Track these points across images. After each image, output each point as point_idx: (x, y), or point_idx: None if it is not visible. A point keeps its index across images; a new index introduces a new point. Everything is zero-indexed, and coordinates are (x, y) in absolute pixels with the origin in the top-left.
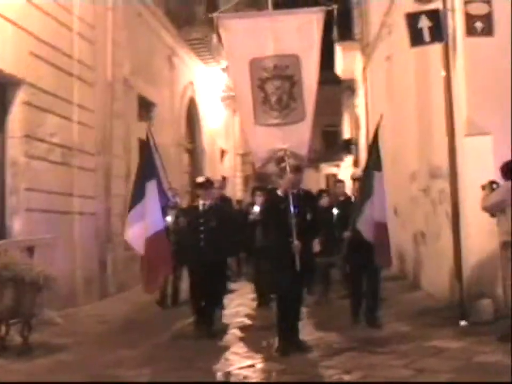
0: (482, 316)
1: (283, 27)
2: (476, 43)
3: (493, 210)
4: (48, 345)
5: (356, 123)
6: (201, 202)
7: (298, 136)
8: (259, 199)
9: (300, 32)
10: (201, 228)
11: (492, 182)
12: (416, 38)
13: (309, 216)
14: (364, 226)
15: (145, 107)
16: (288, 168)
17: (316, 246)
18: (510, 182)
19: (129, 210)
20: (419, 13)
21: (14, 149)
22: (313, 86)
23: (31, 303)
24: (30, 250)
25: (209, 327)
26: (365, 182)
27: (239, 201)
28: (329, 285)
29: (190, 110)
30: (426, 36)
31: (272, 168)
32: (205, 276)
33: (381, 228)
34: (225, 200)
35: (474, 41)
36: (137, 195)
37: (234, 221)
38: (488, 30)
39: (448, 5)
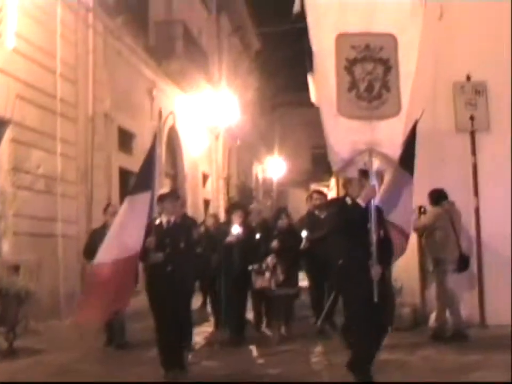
0: (403, 323)
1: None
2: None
3: (422, 232)
4: (30, 349)
5: None
6: (164, 219)
7: (389, 134)
8: (237, 218)
9: (399, 7)
10: (168, 251)
11: (420, 207)
12: None
13: (381, 234)
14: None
15: (125, 138)
16: (373, 173)
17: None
18: (437, 208)
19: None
20: None
21: (2, 180)
22: (411, 74)
23: (15, 313)
24: (16, 268)
25: (182, 370)
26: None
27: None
28: (291, 321)
29: (170, 139)
30: None
31: (354, 172)
32: (174, 309)
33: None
34: (188, 219)
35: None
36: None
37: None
38: None
39: None
